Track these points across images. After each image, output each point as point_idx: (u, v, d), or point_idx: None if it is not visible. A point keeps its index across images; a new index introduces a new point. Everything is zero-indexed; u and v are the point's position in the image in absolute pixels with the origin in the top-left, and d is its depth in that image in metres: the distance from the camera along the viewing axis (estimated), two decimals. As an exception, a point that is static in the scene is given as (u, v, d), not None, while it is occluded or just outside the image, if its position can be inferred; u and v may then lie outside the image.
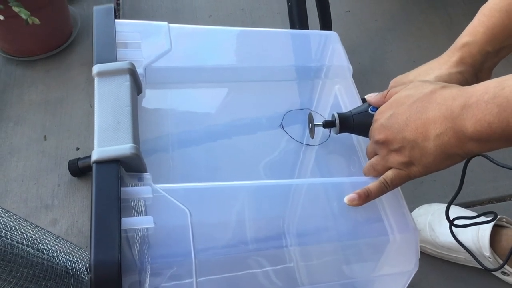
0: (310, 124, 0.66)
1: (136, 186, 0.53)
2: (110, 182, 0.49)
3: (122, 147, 0.51)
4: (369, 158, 0.62)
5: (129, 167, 0.52)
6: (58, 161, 1.16)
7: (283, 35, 0.80)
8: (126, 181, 0.52)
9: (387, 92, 0.61)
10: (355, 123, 0.63)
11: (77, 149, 1.18)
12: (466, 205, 1.09)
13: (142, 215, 0.52)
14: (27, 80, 1.32)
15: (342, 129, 0.63)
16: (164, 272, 0.51)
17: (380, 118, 0.57)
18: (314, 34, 0.79)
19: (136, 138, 0.53)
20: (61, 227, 1.07)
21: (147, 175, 0.53)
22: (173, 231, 0.52)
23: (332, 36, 0.76)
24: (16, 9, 1.10)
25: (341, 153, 0.67)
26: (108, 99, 0.56)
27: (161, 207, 0.52)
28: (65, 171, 1.14)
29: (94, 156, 0.50)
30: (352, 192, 0.57)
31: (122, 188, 0.49)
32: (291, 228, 0.58)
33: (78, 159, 1.13)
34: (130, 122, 0.53)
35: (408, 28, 1.47)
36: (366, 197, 0.57)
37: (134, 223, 0.49)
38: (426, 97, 0.53)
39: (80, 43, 1.41)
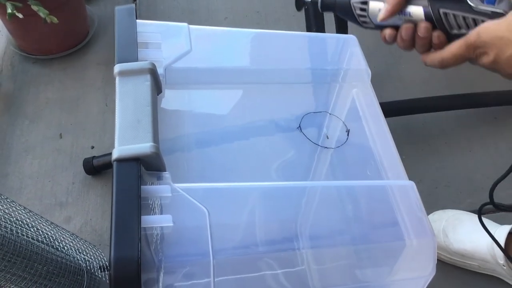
0: None
1: (155, 185, 0.53)
2: (130, 180, 0.49)
3: (142, 146, 0.52)
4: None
5: (149, 165, 0.53)
6: (73, 159, 1.17)
7: (301, 38, 0.80)
8: (145, 179, 0.53)
9: None
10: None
11: (92, 147, 1.19)
12: (482, 212, 1.08)
13: (159, 214, 0.53)
14: (44, 79, 1.33)
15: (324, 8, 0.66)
16: (181, 271, 0.52)
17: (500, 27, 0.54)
18: (333, 38, 0.80)
19: (156, 137, 0.53)
20: (74, 225, 1.07)
21: (166, 174, 0.54)
22: (191, 230, 0.52)
23: (350, 39, 0.76)
24: (34, 7, 1.11)
25: (357, 157, 0.67)
26: (129, 98, 0.56)
27: (179, 206, 0.52)
28: (80, 169, 1.14)
29: (115, 154, 0.51)
30: None
31: (141, 187, 0.50)
32: (304, 229, 0.58)
33: (93, 157, 1.13)
34: (151, 121, 0.54)
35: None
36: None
37: (153, 221, 0.49)
38: None
39: (97, 43, 1.42)
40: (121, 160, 0.51)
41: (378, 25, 0.63)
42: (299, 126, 0.68)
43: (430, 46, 0.61)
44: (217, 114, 0.70)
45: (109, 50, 1.40)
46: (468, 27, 0.57)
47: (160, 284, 0.50)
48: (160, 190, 0.52)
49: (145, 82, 0.58)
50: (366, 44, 1.43)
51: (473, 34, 0.55)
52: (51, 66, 1.36)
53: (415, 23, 0.60)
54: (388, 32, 0.62)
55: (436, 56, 0.60)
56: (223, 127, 0.68)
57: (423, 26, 0.59)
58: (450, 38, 0.59)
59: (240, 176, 0.64)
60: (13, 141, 1.20)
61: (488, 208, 1.09)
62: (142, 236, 0.47)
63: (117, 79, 0.58)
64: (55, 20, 1.12)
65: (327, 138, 0.67)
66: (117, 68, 0.59)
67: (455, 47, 0.57)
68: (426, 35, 0.59)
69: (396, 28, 0.62)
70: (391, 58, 1.39)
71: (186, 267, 0.52)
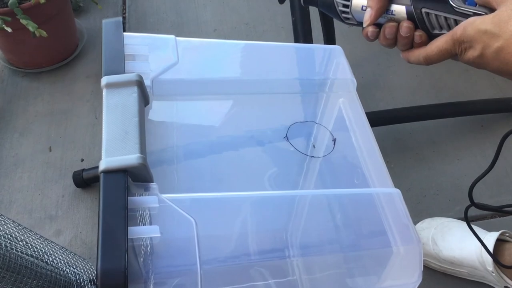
0: None
1: (143, 195, 0.53)
2: (117, 191, 0.49)
3: (129, 157, 0.52)
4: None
5: (136, 177, 0.53)
6: (62, 172, 1.17)
7: (288, 49, 0.81)
8: (132, 191, 0.53)
9: None
10: None
11: (82, 160, 1.19)
12: (469, 220, 1.09)
13: (147, 225, 0.53)
14: (33, 92, 1.33)
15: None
16: (169, 282, 0.52)
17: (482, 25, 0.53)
18: (319, 48, 0.80)
19: (143, 149, 0.54)
20: (64, 238, 1.07)
21: (153, 185, 0.54)
22: (178, 241, 0.53)
23: (336, 50, 0.77)
24: (23, 21, 1.11)
25: (344, 165, 0.68)
26: (116, 110, 0.56)
27: (167, 217, 0.53)
28: (69, 182, 1.14)
29: (102, 166, 0.51)
30: None
31: (129, 198, 0.50)
32: (295, 239, 0.58)
33: (83, 170, 1.13)
34: (138, 132, 0.54)
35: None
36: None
37: (141, 232, 0.49)
38: None
39: (86, 56, 1.42)
40: (108, 172, 0.51)
41: (360, 22, 0.63)
42: (286, 136, 0.68)
43: (411, 45, 0.61)
44: (205, 125, 0.70)
45: (98, 63, 1.41)
46: (450, 28, 0.57)
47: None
48: (147, 201, 0.52)
49: (132, 94, 0.58)
50: (355, 54, 1.46)
51: (459, 28, 0.54)
52: (40, 79, 1.36)
53: (398, 22, 0.60)
54: (370, 29, 0.62)
55: (421, 52, 0.60)
56: (211, 138, 0.69)
57: (405, 26, 0.59)
58: (432, 38, 0.59)
59: (228, 187, 0.64)
60: (2, 155, 1.20)
61: (476, 216, 1.11)
62: (130, 247, 0.47)
63: (104, 91, 0.58)
64: (44, 34, 1.12)
65: (314, 147, 0.67)
66: (104, 80, 0.59)
67: (441, 42, 0.57)
68: (408, 34, 0.59)
69: (379, 25, 0.62)
70: (378, 68, 1.40)
71: (174, 278, 0.52)
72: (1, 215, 0.78)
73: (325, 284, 0.62)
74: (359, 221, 0.58)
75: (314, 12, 1.13)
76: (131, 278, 0.46)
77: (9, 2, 1.12)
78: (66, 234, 1.07)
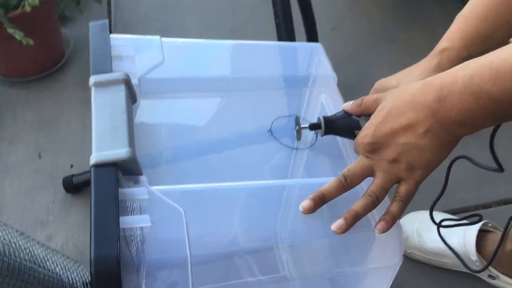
0: (297, 127, 0.68)
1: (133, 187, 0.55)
2: (108, 183, 0.51)
3: (119, 151, 0.54)
4: (357, 181, 0.59)
5: (126, 170, 0.55)
6: (52, 179, 1.18)
7: (271, 47, 0.83)
8: (123, 184, 0.55)
9: (362, 101, 0.64)
10: (339, 126, 0.65)
11: (71, 166, 1.20)
12: (453, 212, 1.12)
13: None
14: (21, 100, 1.34)
15: (327, 132, 0.66)
16: (160, 271, 0.53)
17: (364, 139, 0.58)
18: (300, 46, 0.83)
19: (132, 143, 0.55)
20: (56, 242, 1.08)
21: (143, 178, 0.56)
22: (168, 230, 0.54)
23: (317, 47, 0.79)
24: (10, 30, 1.13)
25: (327, 156, 0.70)
26: (104, 107, 0.58)
27: (156, 207, 0.54)
28: (59, 188, 1.15)
29: (93, 160, 0.53)
30: (380, 220, 0.57)
31: (119, 190, 0.52)
32: (282, 226, 0.60)
33: (73, 175, 1.15)
34: (126, 128, 0.56)
35: (392, 45, 1.51)
36: (392, 220, 0.57)
37: (132, 222, 0.51)
38: (397, 102, 0.55)
39: (73, 64, 1.44)
40: (99, 166, 0.53)
41: None
42: (270, 130, 0.70)
43: None
44: (192, 122, 0.72)
45: (84, 71, 1.42)
46: None
47: (144, 283, 0.52)
48: (137, 192, 0.54)
49: (120, 92, 0.60)
50: (337, 56, 1.48)
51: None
52: (28, 88, 1.37)
53: None
54: None
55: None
56: (197, 134, 0.70)
57: None
58: None
59: (216, 182, 0.66)
60: (-9, 163, 1.21)
61: (460, 208, 1.14)
62: (121, 237, 0.49)
63: (92, 90, 0.60)
64: (31, 42, 1.14)
65: (297, 140, 0.69)
66: (92, 79, 0.61)
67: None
68: None
69: None
70: (361, 69, 1.43)
71: (165, 267, 0.54)
72: (-6, 219, 0.79)
73: (311, 267, 0.64)
74: (342, 207, 0.59)
75: (296, 14, 1.15)
76: (123, 266, 0.47)
77: (-4, 11, 1.13)
78: (57, 239, 1.08)
